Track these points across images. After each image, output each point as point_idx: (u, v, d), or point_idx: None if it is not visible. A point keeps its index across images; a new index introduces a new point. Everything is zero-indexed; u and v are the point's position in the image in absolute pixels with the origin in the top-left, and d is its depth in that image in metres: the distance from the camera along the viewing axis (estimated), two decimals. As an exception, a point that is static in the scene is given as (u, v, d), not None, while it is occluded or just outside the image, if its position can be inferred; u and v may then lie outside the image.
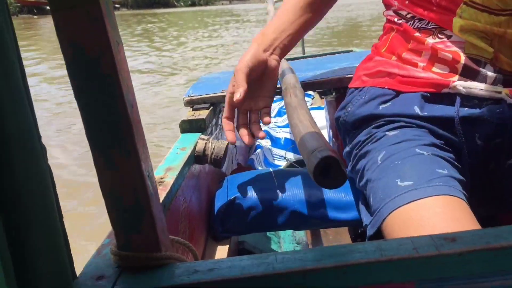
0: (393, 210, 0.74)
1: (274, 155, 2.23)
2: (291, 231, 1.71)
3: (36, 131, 0.33)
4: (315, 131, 0.62)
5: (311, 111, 0.79)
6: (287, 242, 1.66)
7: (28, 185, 0.32)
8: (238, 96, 0.89)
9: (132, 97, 0.49)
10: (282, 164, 2.13)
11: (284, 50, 1.01)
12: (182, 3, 38.77)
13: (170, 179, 0.77)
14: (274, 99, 3.22)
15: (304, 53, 4.14)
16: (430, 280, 0.46)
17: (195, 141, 0.98)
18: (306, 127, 0.65)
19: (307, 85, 1.25)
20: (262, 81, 0.98)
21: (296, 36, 1.02)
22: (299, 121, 0.69)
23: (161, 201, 0.69)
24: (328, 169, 0.55)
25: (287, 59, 1.64)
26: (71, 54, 0.45)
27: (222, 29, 15.95)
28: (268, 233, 1.62)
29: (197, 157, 0.92)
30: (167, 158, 0.88)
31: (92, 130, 0.47)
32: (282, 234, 1.70)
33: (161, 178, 0.78)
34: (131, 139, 0.47)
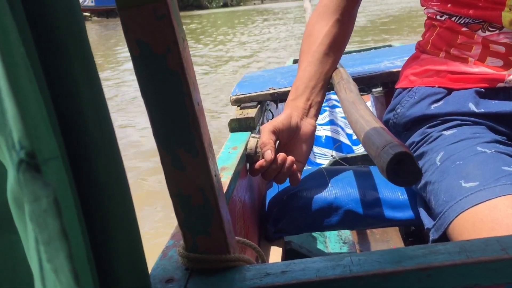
0: (460, 213, 0.70)
1: (315, 154, 2.20)
2: (337, 231, 1.68)
3: (115, 136, 0.32)
4: (381, 127, 0.59)
5: None
6: (333, 241, 1.63)
7: (109, 189, 0.31)
8: (268, 156, 0.85)
9: (198, 95, 0.48)
10: (324, 162, 2.09)
11: (318, 108, 0.98)
12: (214, 5, 39.10)
13: (226, 179, 0.76)
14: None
15: None
16: (522, 283, 0.43)
17: (245, 140, 0.96)
18: (369, 122, 0.62)
19: (355, 80, 1.22)
20: (295, 146, 0.94)
21: (325, 86, 0.99)
22: (360, 117, 0.66)
23: None
24: (399, 166, 0.52)
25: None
26: (137, 51, 0.44)
27: (261, 27, 16.01)
28: (313, 233, 1.60)
29: (248, 156, 0.90)
30: (219, 157, 0.87)
31: (158, 128, 0.46)
32: (328, 234, 1.67)
33: (218, 179, 0.76)
34: (199, 137, 0.46)
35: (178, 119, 0.45)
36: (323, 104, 2.87)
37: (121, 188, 0.32)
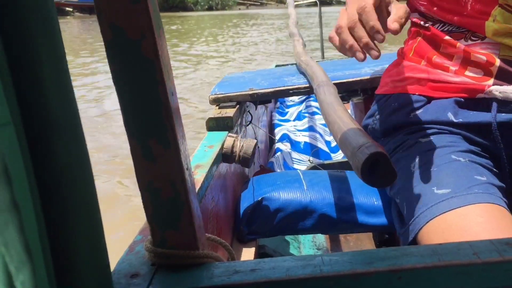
0: (431, 219, 0.71)
1: (293, 159, 2.20)
2: (311, 236, 1.68)
3: (79, 117, 0.30)
4: (358, 127, 0.59)
5: None
6: (307, 247, 1.62)
7: (70, 172, 0.29)
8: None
9: (172, 84, 0.46)
10: (302, 168, 2.09)
11: None
12: (199, 7, 39.05)
13: (200, 177, 0.75)
14: (293, 103, 3.19)
15: (323, 57, 4.11)
16: (493, 288, 0.42)
17: (223, 139, 0.95)
18: (346, 123, 0.62)
19: (336, 86, 1.22)
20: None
21: None
22: (337, 117, 0.66)
23: None
24: (374, 167, 0.51)
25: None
26: (111, 36, 0.42)
27: (246, 30, 16.08)
28: (287, 238, 1.59)
29: (224, 155, 0.89)
30: (195, 155, 0.86)
31: (130, 117, 0.44)
32: (302, 239, 1.66)
33: (191, 175, 0.75)
34: (172, 128, 0.44)
35: (150, 108, 0.44)
36: (303, 111, 2.89)
37: (83, 172, 0.30)
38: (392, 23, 0.70)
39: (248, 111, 1.36)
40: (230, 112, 1.08)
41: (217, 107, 1.16)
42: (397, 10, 0.72)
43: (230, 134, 0.93)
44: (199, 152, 0.87)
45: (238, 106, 1.16)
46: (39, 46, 0.31)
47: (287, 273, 0.43)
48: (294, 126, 2.67)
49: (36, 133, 0.25)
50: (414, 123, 0.88)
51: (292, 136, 2.44)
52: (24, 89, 0.25)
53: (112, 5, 0.41)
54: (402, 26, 0.71)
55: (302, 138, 2.45)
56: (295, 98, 3.21)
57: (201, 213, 0.66)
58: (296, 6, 3.78)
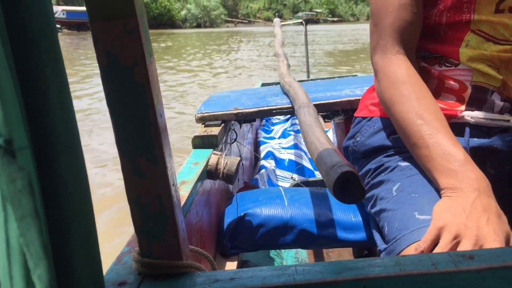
0: (412, 243, 0.73)
1: (278, 176, 2.24)
2: (294, 251, 1.71)
3: (78, 134, 0.35)
4: (333, 148, 0.63)
5: None
6: (290, 263, 1.65)
7: (69, 185, 0.33)
8: None
9: (161, 107, 0.50)
10: (286, 185, 2.13)
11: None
12: (188, 25, 39.28)
13: (185, 192, 0.78)
14: (278, 121, 3.22)
15: (308, 77, 4.19)
16: (449, 296, 0.47)
17: (207, 156, 0.99)
18: (323, 144, 0.66)
19: (317, 106, 1.27)
20: None
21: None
22: (315, 138, 0.70)
23: None
24: (346, 185, 0.56)
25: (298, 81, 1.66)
26: (106, 62, 0.46)
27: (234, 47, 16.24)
28: (271, 254, 1.62)
29: (209, 172, 0.93)
30: (181, 172, 0.90)
31: (121, 137, 0.48)
32: (285, 255, 1.70)
33: (176, 191, 0.79)
34: (159, 147, 0.48)
35: (141, 129, 0.48)
36: (288, 129, 2.95)
37: (81, 186, 0.34)
38: None
39: (233, 129, 1.41)
40: (215, 130, 1.13)
41: (203, 125, 1.21)
42: None
43: (214, 152, 0.97)
44: (185, 169, 0.91)
45: (223, 124, 1.20)
46: (46, 71, 0.35)
47: (263, 282, 0.47)
48: (279, 143, 2.72)
49: (44, 154, 0.29)
50: (392, 146, 0.92)
51: (277, 154, 2.49)
52: (34, 115, 0.29)
53: (108, 35, 0.45)
54: None
55: (287, 155, 2.50)
56: (281, 116, 3.27)
57: (186, 227, 0.70)
58: (283, 25, 3.87)
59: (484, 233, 0.62)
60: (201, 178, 0.90)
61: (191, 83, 8.16)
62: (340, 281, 0.46)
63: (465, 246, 0.61)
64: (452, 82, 0.87)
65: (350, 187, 0.56)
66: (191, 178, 0.86)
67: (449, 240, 0.63)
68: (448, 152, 0.73)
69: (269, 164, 2.35)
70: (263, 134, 2.85)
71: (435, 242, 0.65)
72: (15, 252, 0.22)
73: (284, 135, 2.89)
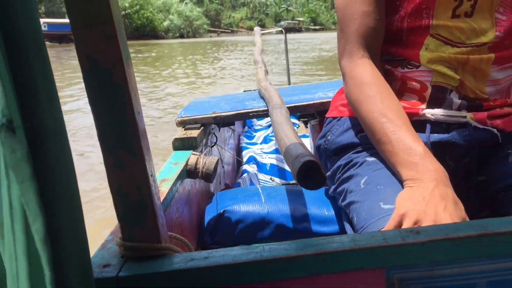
0: (378, 230, 0.80)
1: (260, 180, 2.29)
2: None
3: (64, 124, 0.40)
4: (298, 142, 0.69)
5: None
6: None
7: (57, 170, 0.38)
8: None
9: (139, 105, 0.56)
10: (268, 188, 2.19)
11: None
12: (170, 35, 39.32)
13: (165, 189, 0.84)
14: (260, 127, 3.27)
15: (289, 83, 4.27)
16: (398, 266, 0.53)
17: (187, 157, 1.04)
18: (290, 139, 0.72)
19: (291, 109, 1.33)
20: None
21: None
22: (284, 135, 0.76)
23: None
24: (310, 173, 0.62)
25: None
26: (87, 66, 0.52)
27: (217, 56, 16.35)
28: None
29: (189, 171, 0.98)
30: (161, 171, 0.95)
31: (103, 133, 0.53)
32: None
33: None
34: (137, 141, 0.54)
35: (120, 125, 0.53)
36: (270, 134, 3.01)
37: (67, 170, 0.39)
38: None
39: (213, 133, 1.46)
40: (194, 133, 1.18)
41: (183, 128, 1.26)
42: None
43: (194, 152, 1.02)
44: (165, 169, 0.96)
45: (202, 128, 1.26)
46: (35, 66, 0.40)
47: (233, 259, 0.53)
48: (261, 149, 2.78)
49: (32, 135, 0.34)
50: (360, 143, 0.98)
51: (259, 158, 2.54)
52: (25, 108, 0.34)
53: (89, 40, 0.51)
54: None
55: (268, 160, 2.55)
56: (263, 123, 3.33)
57: (166, 221, 0.76)
58: (264, 34, 3.95)
59: (441, 218, 0.68)
60: (181, 177, 0.95)
61: (180, 91, 8.25)
62: (302, 256, 0.52)
63: None
64: (414, 83, 0.94)
65: (313, 175, 0.62)
66: (171, 176, 0.91)
67: (410, 226, 0.68)
68: (409, 147, 0.79)
69: (252, 168, 2.40)
70: (246, 140, 2.91)
71: (398, 228, 0.71)
72: (17, 212, 0.27)
73: (265, 140, 2.96)
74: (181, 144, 1.13)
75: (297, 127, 3.39)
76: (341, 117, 1.06)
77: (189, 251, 0.66)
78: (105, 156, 0.54)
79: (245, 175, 2.20)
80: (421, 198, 0.72)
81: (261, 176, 2.34)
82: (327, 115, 1.12)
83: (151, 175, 0.56)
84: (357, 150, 0.98)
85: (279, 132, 0.80)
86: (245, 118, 1.36)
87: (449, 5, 0.89)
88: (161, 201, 0.79)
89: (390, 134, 0.82)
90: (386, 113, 0.84)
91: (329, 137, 1.05)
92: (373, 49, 0.94)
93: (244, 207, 1.08)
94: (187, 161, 1.01)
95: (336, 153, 1.03)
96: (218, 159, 1.02)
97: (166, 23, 41.29)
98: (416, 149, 0.79)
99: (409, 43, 0.94)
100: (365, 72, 0.90)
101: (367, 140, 0.97)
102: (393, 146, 0.81)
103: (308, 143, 2.40)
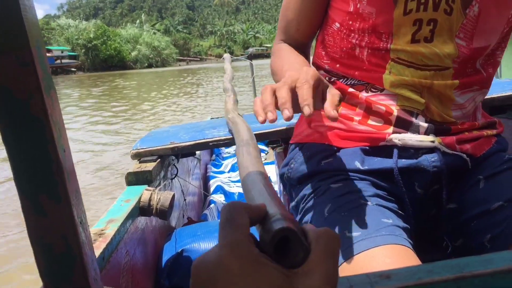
0: (344, 262, 0.74)
1: (228, 210, 2.22)
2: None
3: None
4: (269, 197, 0.58)
5: (265, 166, 0.78)
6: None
7: None
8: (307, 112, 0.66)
9: (65, 141, 0.48)
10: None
11: None
12: (139, 65, 39.27)
13: (111, 231, 0.75)
14: (228, 155, 3.23)
15: None
16: (367, 317, 0.46)
17: (141, 193, 0.96)
18: (258, 191, 0.61)
19: (258, 136, 1.27)
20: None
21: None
22: (252, 187, 0.65)
23: (99, 253, 0.66)
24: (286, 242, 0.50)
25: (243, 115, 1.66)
26: (-1, 96, 0.44)
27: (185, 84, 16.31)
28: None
29: (142, 209, 0.90)
30: (109, 210, 0.86)
31: (20, 174, 0.45)
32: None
33: (102, 230, 0.75)
34: (62, 184, 0.46)
35: (41, 165, 0.45)
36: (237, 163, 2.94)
37: None
38: (331, 110, 0.66)
39: (174, 165, 1.38)
40: (149, 166, 1.10)
41: (138, 161, 1.18)
42: (332, 97, 0.69)
43: (147, 187, 0.94)
44: (114, 207, 0.88)
45: (159, 160, 1.18)
46: None
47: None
48: (229, 177, 2.71)
49: None
50: (325, 170, 0.93)
51: (226, 188, 2.47)
52: None
53: (0, 68, 0.43)
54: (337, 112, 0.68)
55: (236, 189, 2.48)
56: (231, 150, 3.26)
57: (111, 267, 0.67)
58: (234, 60, 3.93)
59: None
60: (132, 215, 0.87)
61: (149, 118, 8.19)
62: None
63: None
64: (379, 106, 0.90)
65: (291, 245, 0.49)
66: (119, 216, 0.82)
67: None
68: (295, 67, 0.88)
69: (219, 198, 2.32)
70: (213, 169, 2.83)
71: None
72: None
73: (233, 169, 2.89)
74: (134, 179, 1.05)
75: (266, 153, 3.34)
76: (304, 143, 1.00)
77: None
78: (23, 201, 0.46)
79: (212, 205, 2.12)
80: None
81: (229, 206, 2.26)
82: (290, 142, 1.07)
83: (81, 222, 0.48)
84: (323, 177, 0.93)
85: (246, 181, 0.70)
86: (205, 148, 1.29)
87: (408, 30, 0.85)
88: (106, 245, 0.71)
89: (285, 70, 0.88)
90: (292, 63, 0.94)
91: (292, 165, 1.00)
92: (293, 39, 1.05)
93: (204, 245, 1.00)
94: (140, 198, 0.93)
95: (300, 181, 0.98)
96: (173, 194, 0.94)
97: (134, 53, 41.22)
98: (301, 64, 0.92)
99: (371, 67, 0.91)
100: (280, 45, 1.06)
101: (331, 167, 0.92)
102: (284, 74, 0.78)
103: (273, 170, 2.33)
